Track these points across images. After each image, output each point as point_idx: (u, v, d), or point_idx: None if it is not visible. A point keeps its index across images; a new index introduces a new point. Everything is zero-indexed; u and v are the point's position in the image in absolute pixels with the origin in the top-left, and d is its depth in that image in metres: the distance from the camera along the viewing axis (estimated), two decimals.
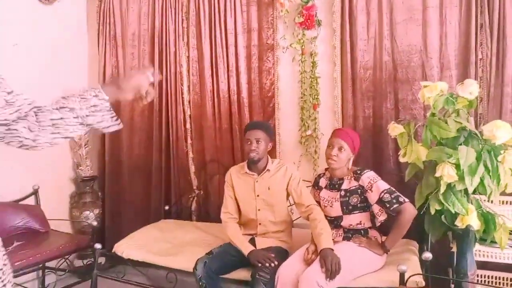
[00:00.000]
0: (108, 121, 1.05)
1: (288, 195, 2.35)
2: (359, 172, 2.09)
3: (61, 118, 0.96)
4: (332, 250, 1.94)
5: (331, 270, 1.82)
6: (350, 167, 2.15)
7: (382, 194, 1.97)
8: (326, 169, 2.28)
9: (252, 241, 2.30)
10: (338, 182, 2.13)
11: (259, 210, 2.32)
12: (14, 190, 2.87)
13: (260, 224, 2.34)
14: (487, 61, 2.46)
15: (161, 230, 2.86)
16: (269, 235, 2.33)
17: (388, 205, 1.94)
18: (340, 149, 2.10)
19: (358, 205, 2.05)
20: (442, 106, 2.05)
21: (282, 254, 2.21)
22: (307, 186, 2.46)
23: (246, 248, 2.18)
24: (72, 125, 0.98)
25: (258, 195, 2.32)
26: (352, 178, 2.09)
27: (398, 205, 1.93)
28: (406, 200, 1.97)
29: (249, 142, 2.27)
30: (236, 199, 2.39)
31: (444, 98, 2.04)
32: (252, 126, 2.37)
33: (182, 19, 3.24)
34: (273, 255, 2.09)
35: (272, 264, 2.01)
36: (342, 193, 2.08)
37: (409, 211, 1.95)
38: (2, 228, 2.56)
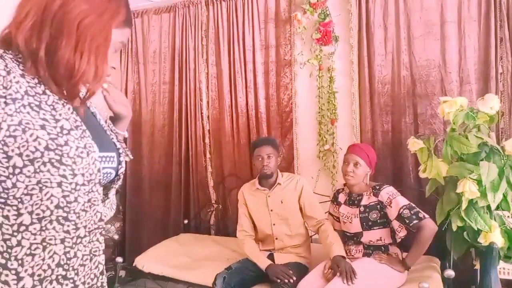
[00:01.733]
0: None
1: (300, 207, 2.36)
2: (378, 187, 2.07)
3: None
4: (344, 257, 1.96)
5: (346, 273, 1.84)
6: (368, 183, 2.14)
7: (402, 209, 1.95)
8: (344, 185, 2.28)
9: (271, 257, 2.30)
10: (357, 198, 2.12)
11: (274, 224, 2.33)
12: None
13: (276, 239, 2.34)
14: (507, 75, 2.44)
15: (181, 244, 2.89)
16: (287, 250, 2.33)
17: (407, 221, 1.91)
18: (356, 165, 2.10)
19: (378, 221, 2.04)
20: (463, 121, 2.03)
21: (302, 270, 2.20)
22: (325, 201, 2.47)
23: (263, 262, 2.18)
24: None
25: (271, 210, 2.33)
26: (371, 194, 2.08)
27: (417, 221, 1.90)
28: (426, 216, 1.94)
29: (260, 159, 2.31)
30: (250, 216, 2.42)
31: (464, 113, 2.02)
32: (261, 143, 2.39)
33: (202, 37, 3.32)
34: (291, 271, 2.09)
35: (291, 280, 2.01)
36: (362, 209, 2.07)
37: (429, 227, 1.91)
38: None
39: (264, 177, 2.35)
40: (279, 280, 2.03)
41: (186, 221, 3.28)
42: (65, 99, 0.80)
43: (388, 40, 2.72)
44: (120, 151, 0.95)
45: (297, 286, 2.00)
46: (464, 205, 1.94)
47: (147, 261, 2.58)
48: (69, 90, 0.80)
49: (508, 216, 2.08)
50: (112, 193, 0.95)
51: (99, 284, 0.87)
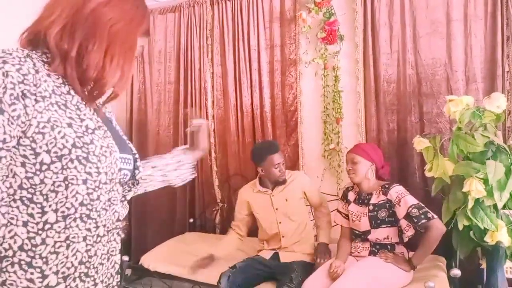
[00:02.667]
0: (186, 174, 1.21)
1: (304, 200, 2.44)
2: (387, 186, 2.08)
3: (149, 175, 1.11)
4: (327, 245, 2.28)
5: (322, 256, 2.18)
6: (372, 178, 2.14)
7: (410, 209, 1.94)
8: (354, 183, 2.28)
9: (276, 256, 2.31)
10: (367, 197, 2.12)
11: (280, 223, 2.35)
12: None
13: (283, 237, 2.35)
14: None
15: (186, 243, 2.90)
16: (292, 249, 2.34)
17: (415, 220, 1.91)
18: (353, 162, 2.13)
19: (386, 219, 2.04)
20: (469, 120, 2.02)
21: (307, 269, 2.20)
22: (330, 200, 2.48)
23: (214, 251, 2.33)
24: (155, 181, 1.15)
25: (277, 209, 2.35)
26: (380, 193, 2.08)
27: (426, 220, 1.89)
28: (435, 216, 1.92)
29: (277, 167, 2.32)
30: (254, 216, 2.45)
31: (470, 112, 2.02)
32: (276, 149, 2.37)
33: (207, 37, 3.33)
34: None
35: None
36: (371, 207, 2.08)
37: (437, 227, 1.90)
38: None
39: (279, 183, 2.37)
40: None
41: (191, 220, 3.29)
42: (86, 100, 0.83)
43: (394, 38, 2.71)
44: (136, 156, 0.99)
45: (303, 285, 2.01)
46: (470, 204, 1.93)
47: (153, 260, 2.59)
48: (95, 90, 0.82)
49: None
50: (130, 196, 0.98)
51: (114, 283, 0.91)
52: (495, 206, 1.95)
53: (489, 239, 1.94)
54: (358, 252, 2.11)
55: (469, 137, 1.98)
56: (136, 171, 0.98)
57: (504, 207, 1.97)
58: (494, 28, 2.45)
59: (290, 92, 3.07)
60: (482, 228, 1.95)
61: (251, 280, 2.19)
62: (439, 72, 2.60)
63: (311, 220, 2.55)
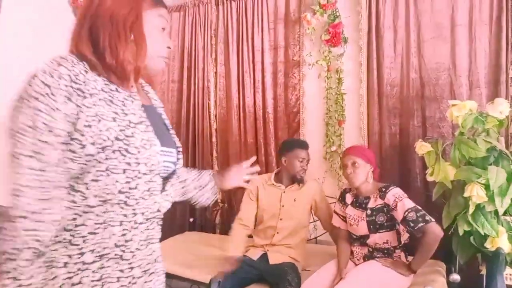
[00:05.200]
0: (209, 197, 1.27)
1: (311, 209, 2.40)
2: (384, 189, 2.03)
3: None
4: None
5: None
6: (372, 182, 2.10)
7: (407, 212, 1.90)
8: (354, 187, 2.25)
9: (265, 257, 2.29)
10: (364, 201, 2.09)
11: (281, 219, 2.34)
12: None
13: (278, 233, 2.34)
14: None
15: (186, 242, 2.91)
16: (281, 249, 2.31)
17: (412, 224, 1.86)
18: (353, 164, 2.07)
19: (385, 223, 2.01)
20: (471, 125, 2.02)
21: (296, 270, 2.19)
22: (331, 203, 2.47)
23: (233, 250, 2.24)
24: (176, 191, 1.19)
25: (283, 206, 2.35)
26: (378, 196, 2.04)
27: (424, 223, 1.84)
28: (432, 219, 1.89)
29: (301, 160, 2.33)
30: (258, 207, 2.41)
31: (473, 117, 2.01)
32: (305, 146, 2.40)
33: (211, 36, 3.34)
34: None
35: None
36: (369, 212, 2.04)
37: (433, 233, 1.85)
38: None
39: (297, 180, 2.37)
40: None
41: (191, 220, 3.29)
42: (122, 85, 0.90)
43: (398, 42, 2.70)
44: (179, 149, 1.05)
45: (301, 286, 2.00)
46: (471, 209, 1.93)
47: None
48: (122, 72, 0.89)
49: None
50: (168, 186, 1.02)
51: (153, 270, 0.97)
52: (496, 212, 1.94)
53: (489, 245, 1.93)
54: (358, 259, 2.10)
55: (471, 142, 1.97)
56: (177, 163, 1.03)
57: (505, 213, 1.96)
58: (499, 33, 2.45)
59: (293, 94, 3.07)
60: (483, 233, 1.94)
61: (241, 284, 2.15)
62: (443, 76, 2.59)
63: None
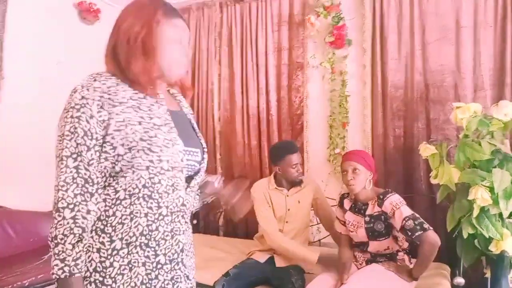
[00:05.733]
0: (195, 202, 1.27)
1: (312, 208, 2.42)
2: (382, 197, 1.96)
3: None
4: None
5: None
6: (371, 188, 2.04)
7: (404, 221, 1.84)
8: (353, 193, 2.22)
9: (271, 261, 2.29)
10: (363, 206, 2.04)
11: (286, 222, 2.34)
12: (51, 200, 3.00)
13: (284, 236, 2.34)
14: None
15: None
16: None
17: (410, 233, 1.81)
18: (354, 171, 2.00)
19: (384, 231, 1.96)
20: (476, 128, 2.01)
21: (300, 272, 2.19)
22: (335, 205, 2.46)
23: (312, 255, 2.14)
24: None
25: (289, 209, 2.35)
26: (376, 203, 1.98)
27: (422, 231, 1.80)
28: (430, 228, 1.82)
29: (295, 166, 2.29)
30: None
31: (477, 119, 2.00)
32: (295, 149, 2.34)
33: (215, 39, 3.35)
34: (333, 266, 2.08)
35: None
36: (367, 218, 2.00)
37: (430, 242, 1.79)
38: (40, 237, 2.68)
39: (297, 183, 2.36)
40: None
41: (195, 222, 3.30)
42: (147, 93, 1.01)
43: (402, 44, 2.70)
44: (205, 149, 1.15)
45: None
46: (475, 212, 1.92)
47: None
48: (141, 83, 1.00)
49: None
50: (193, 183, 1.10)
51: (179, 259, 1.06)
52: (500, 215, 1.93)
53: (494, 248, 1.92)
54: (360, 263, 2.08)
55: (475, 144, 1.96)
56: (202, 162, 1.13)
57: (509, 216, 1.95)
58: (504, 35, 2.44)
59: (297, 96, 3.07)
60: (487, 236, 1.93)
61: (246, 286, 2.14)
62: (447, 78, 2.58)
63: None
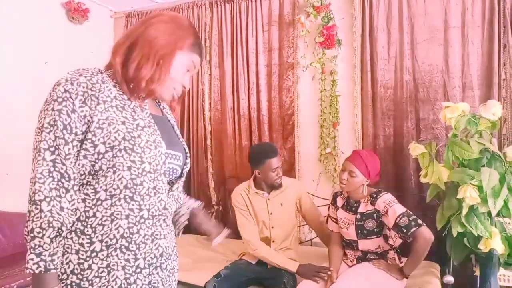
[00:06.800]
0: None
1: (297, 209, 2.39)
2: (375, 195, 1.99)
3: None
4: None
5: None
6: (364, 192, 2.04)
7: (398, 218, 1.86)
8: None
9: (263, 262, 2.27)
10: (355, 204, 2.06)
11: (272, 227, 2.32)
12: None
13: (273, 241, 2.33)
14: (511, 82, 2.43)
15: (181, 245, 2.87)
16: (280, 253, 2.29)
17: (405, 230, 1.83)
18: (350, 174, 2.00)
19: (374, 229, 1.98)
20: (464, 127, 2.03)
21: (292, 272, 2.17)
22: (325, 205, 2.47)
23: (292, 265, 2.12)
24: None
25: (271, 213, 2.32)
26: (369, 202, 2.00)
27: (416, 227, 1.82)
28: (423, 224, 1.86)
29: (275, 171, 2.23)
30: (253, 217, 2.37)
31: (466, 119, 2.02)
32: (274, 153, 2.25)
33: (205, 38, 3.33)
34: (324, 265, 2.08)
35: (329, 273, 1.98)
36: (358, 216, 2.01)
37: (424, 238, 1.82)
38: None
39: (277, 187, 2.31)
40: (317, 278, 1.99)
41: (186, 222, 3.28)
42: (130, 95, 1.00)
43: (391, 44, 2.72)
44: (187, 154, 1.15)
45: None
46: (464, 211, 1.94)
47: None
48: (135, 86, 1.00)
49: (509, 223, 2.06)
50: (175, 187, 1.10)
51: (158, 264, 1.04)
52: (489, 213, 1.95)
53: (483, 246, 1.94)
54: (351, 261, 2.09)
55: (464, 143, 1.98)
56: (185, 167, 1.13)
57: (498, 214, 1.97)
58: (491, 35, 2.47)
59: (288, 96, 3.07)
60: (476, 235, 1.95)
61: (237, 287, 2.14)
62: (436, 78, 2.61)
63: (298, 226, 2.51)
